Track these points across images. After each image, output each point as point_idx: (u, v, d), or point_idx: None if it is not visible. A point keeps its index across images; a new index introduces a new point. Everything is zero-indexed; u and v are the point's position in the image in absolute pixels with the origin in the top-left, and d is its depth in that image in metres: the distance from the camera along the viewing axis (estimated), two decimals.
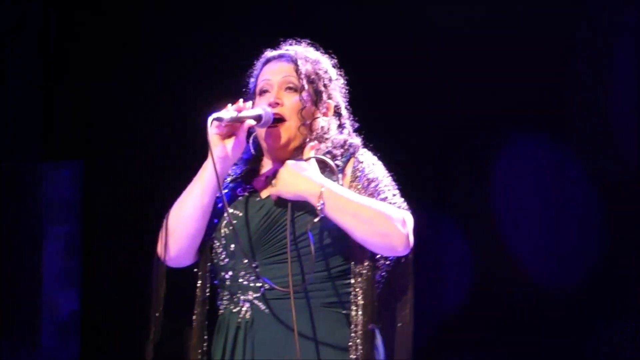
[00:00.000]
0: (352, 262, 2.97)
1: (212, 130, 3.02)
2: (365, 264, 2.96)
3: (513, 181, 4.92)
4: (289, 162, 2.99)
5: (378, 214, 2.92)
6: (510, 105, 4.92)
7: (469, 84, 4.97)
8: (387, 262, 3.00)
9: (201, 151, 5.34)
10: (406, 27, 5.04)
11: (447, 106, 5.01)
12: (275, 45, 3.27)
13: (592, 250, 4.81)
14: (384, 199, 2.99)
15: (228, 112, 3.02)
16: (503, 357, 4.91)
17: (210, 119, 2.98)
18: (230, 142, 3.05)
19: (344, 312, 2.98)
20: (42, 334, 5.53)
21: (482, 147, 5.01)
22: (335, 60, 3.26)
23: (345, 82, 3.26)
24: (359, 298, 2.95)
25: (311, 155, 3.04)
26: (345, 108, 3.23)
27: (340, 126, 3.19)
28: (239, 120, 3.03)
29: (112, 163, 5.73)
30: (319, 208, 2.90)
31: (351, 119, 3.24)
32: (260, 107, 3.08)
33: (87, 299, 5.69)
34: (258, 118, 3.06)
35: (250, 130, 3.14)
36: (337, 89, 3.21)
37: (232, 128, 3.05)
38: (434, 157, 5.10)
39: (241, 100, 3.06)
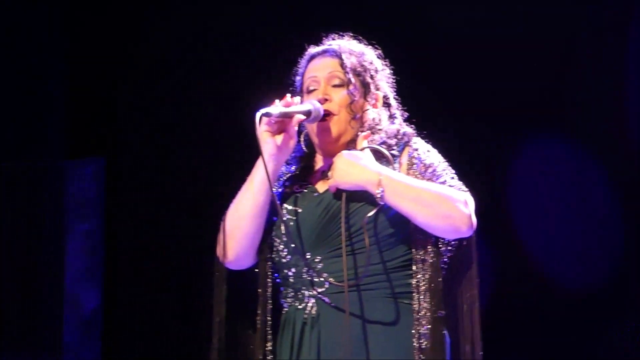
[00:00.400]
0: (414, 250, 2.98)
1: (262, 127, 3.02)
2: (429, 250, 2.97)
3: (529, 182, 4.94)
4: (344, 152, 3.00)
5: (439, 196, 2.93)
6: (526, 105, 4.94)
7: (485, 84, 4.98)
8: (450, 248, 3.01)
9: (225, 148, 5.43)
10: (409, 28, 5.06)
11: (463, 106, 5.02)
12: (317, 41, 3.28)
13: (611, 251, 4.83)
14: (443, 183, 3.00)
15: (276, 107, 3.01)
16: (521, 358, 4.93)
17: (258, 114, 2.96)
18: (280, 138, 3.04)
19: (408, 302, 2.99)
20: (64, 330, 5.53)
21: (498, 147, 5.03)
22: (380, 51, 3.26)
23: (392, 71, 3.26)
24: (423, 285, 2.96)
25: (365, 145, 3.05)
26: (394, 98, 3.23)
27: (391, 116, 3.20)
28: (288, 116, 3.02)
29: (135, 160, 5.72)
30: (378, 195, 2.90)
31: (400, 108, 3.25)
32: (310, 102, 3.08)
33: (109, 296, 5.68)
34: (307, 113, 3.05)
35: (300, 129, 3.16)
36: (383, 80, 3.21)
37: (281, 124, 3.04)
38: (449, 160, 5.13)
39: (288, 95, 3.05)
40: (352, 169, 2.95)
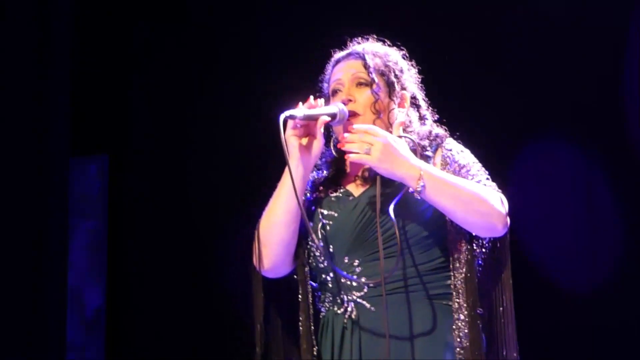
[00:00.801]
0: (451, 249, 2.98)
1: (288, 131, 3.00)
2: (464, 248, 2.97)
3: (530, 184, 4.94)
4: (389, 138, 2.92)
5: (477, 194, 2.92)
6: (528, 108, 4.95)
7: (487, 87, 4.99)
8: (484, 249, 3.01)
9: (232, 146, 5.41)
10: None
11: (468, 110, 5.02)
12: (342, 45, 3.28)
13: (613, 253, 4.84)
14: (478, 182, 3.00)
15: (300, 110, 2.99)
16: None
17: (282, 117, 2.94)
18: (306, 141, 3.03)
19: (447, 303, 2.98)
20: (68, 329, 5.49)
21: (500, 150, 5.03)
22: (405, 52, 3.25)
23: (418, 72, 3.25)
24: (461, 284, 2.96)
25: (401, 134, 3.03)
26: (423, 99, 3.22)
27: (422, 118, 3.19)
28: (313, 118, 3.00)
29: (139, 158, 5.69)
30: (418, 190, 2.88)
31: (430, 110, 3.24)
32: (335, 105, 3.06)
33: (113, 295, 5.65)
34: (333, 115, 3.03)
35: (330, 134, 3.15)
36: (410, 80, 3.20)
37: (307, 127, 3.02)
38: None
39: (312, 97, 3.04)
40: (395, 159, 2.89)
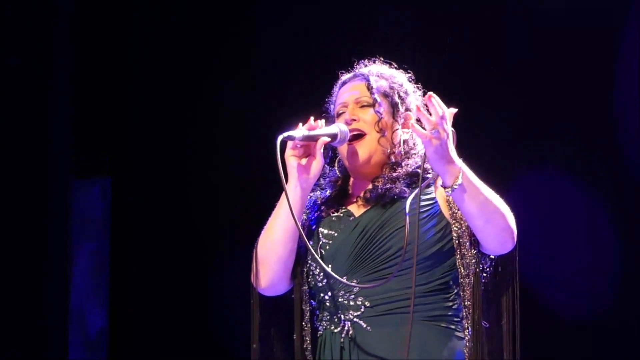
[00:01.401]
0: (458, 260, 3.01)
1: (288, 151, 3.04)
2: (472, 261, 3.00)
3: (526, 211, 4.94)
4: (452, 131, 2.89)
5: (500, 208, 2.94)
6: (523, 134, 4.96)
7: (480, 113, 5.00)
8: (489, 263, 3.04)
9: (234, 169, 5.43)
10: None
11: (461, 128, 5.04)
12: (348, 66, 3.32)
13: (610, 279, 4.85)
14: None
15: (299, 130, 3.02)
16: None
17: (280, 138, 2.97)
18: (305, 161, 3.06)
19: (444, 325, 3.01)
20: (70, 351, 5.51)
21: (498, 174, 5.05)
22: (411, 74, 3.29)
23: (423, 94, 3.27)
24: (467, 297, 2.99)
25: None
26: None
27: None
28: (313, 139, 3.04)
29: (141, 180, 5.71)
30: (454, 188, 2.87)
31: None
32: (335, 125, 3.10)
33: (115, 317, 5.67)
34: (333, 136, 3.07)
35: (335, 153, 3.19)
36: (415, 102, 3.22)
37: (307, 148, 3.06)
38: None
39: (312, 118, 3.07)
40: (448, 151, 2.86)
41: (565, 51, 4.89)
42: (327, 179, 3.21)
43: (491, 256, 3.03)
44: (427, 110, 2.86)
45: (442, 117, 2.82)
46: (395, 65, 3.30)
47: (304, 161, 3.06)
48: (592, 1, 4.85)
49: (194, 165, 5.63)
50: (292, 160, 3.05)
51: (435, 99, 2.82)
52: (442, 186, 2.91)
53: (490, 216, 2.92)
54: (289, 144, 3.03)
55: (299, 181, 3.04)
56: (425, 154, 2.88)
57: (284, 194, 3.03)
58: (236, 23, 5.55)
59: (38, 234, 5.44)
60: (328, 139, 3.06)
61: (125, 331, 5.66)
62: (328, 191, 3.20)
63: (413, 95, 3.24)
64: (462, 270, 3.00)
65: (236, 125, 5.52)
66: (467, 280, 3.00)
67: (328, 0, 5.34)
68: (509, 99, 4.94)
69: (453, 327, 3.03)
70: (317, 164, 3.07)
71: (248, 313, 3.13)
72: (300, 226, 3.00)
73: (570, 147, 4.88)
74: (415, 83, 3.28)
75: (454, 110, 2.86)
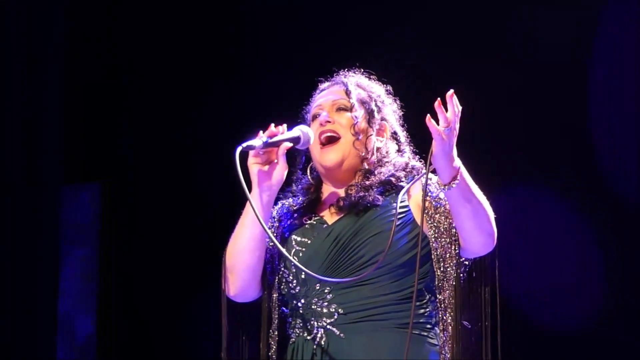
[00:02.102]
0: (435, 264, 3.02)
1: (250, 159, 3.04)
2: (453, 262, 3.01)
3: (507, 227, 4.92)
4: (454, 133, 2.87)
5: (487, 212, 2.96)
6: (505, 152, 4.97)
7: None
8: (463, 268, 3.04)
9: (220, 176, 5.43)
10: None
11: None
12: (328, 76, 3.34)
13: (590, 292, 4.85)
14: None
15: (259, 139, 3.02)
16: None
17: (238, 150, 2.96)
18: (269, 168, 3.06)
19: (417, 332, 3.01)
20: (58, 356, 5.53)
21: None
22: (390, 87, 3.31)
23: (401, 107, 3.30)
24: (445, 299, 3.00)
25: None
26: (403, 134, 3.27)
27: (400, 151, 3.23)
28: (275, 145, 3.04)
29: (131, 186, 5.73)
30: (452, 186, 2.88)
31: (411, 145, 3.27)
32: (297, 128, 3.10)
33: (104, 322, 5.67)
34: (295, 140, 3.07)
35: (308, 160, 3.20)
36: (391, 114, 3.25)
37: (270, 154, 3.06)
38: None
39: (272, 125, 3.07)
40: (452, 150, 2.87)
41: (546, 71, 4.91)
42: (300, 186, 3.22)
43: (465, 262, 3.04)
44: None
45: (457, 116, 2.83)
46: (375, 77, 3.32)
47: (266, 168, 3.06)
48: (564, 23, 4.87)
49: (183, 171, 5.64)
50: (254, 167, 3.05)
51: (455, 98, 2.83)
52: (439, 183, 2.90)
53: (480, 219, 2.93)
54: (251, 152, 3.04)
55: (261, 188, 3.04)
56: (430, 151, 2.86)
57: (248, 202, 3.02)
58: (225, 45, 5.58)
59: (27, 239, 5.46)
60: (290, 144, 3.06)
61: (113, 337, 5.67)
62: (300, 198, 3.21)
63: (389, 107, 3.26)
64: (441, 274, 3.01)
65: (225, 132, 5.52)
66: (445, 283, 3.01)
67: (309, 11, 5.37)
68: (492, 114, 4.95)
69: (425, 334, 3.03)
70: (280, 169, 3.06)
71: (246, 321, 3.15)
72: (268, 229, 3.00)
73: (550, 161, 4.90)
74: (392, 96, 3.30)
75: (460, 108, 2.87)
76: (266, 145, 3.01)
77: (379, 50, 4.97)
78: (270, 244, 3.11)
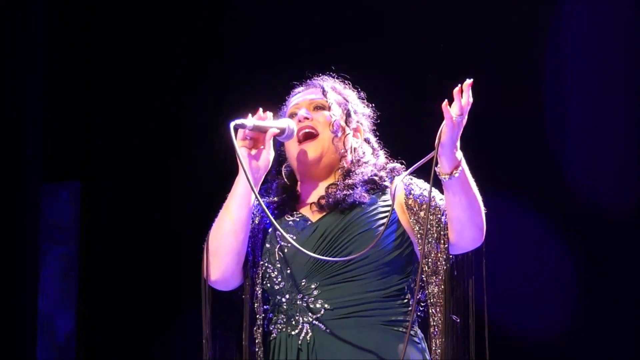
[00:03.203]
0: (426, 260, 3.03)
1: (239, 142, 3.05)
2: (442, 258, 3.03)
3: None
4: (463, 123, 2.91)
5: (481, 206, 2.99)
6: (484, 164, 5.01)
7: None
8: (451, 258, 3.06)
9: (200, 174, 5.44)
10: None
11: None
12: (304, 79, 3.37)
13: (562, 302, 4.89)
14: None
15: (250, 120, 3.05)
16: None
17: (232, 124, 2.99)
18: (256, 152, 3.08)
19: (402, 330, 3.03)
20: (38, 355, 5.52)
21: None
22: (364, 94, 3.34)
23: (374, 113, 3.34)
24: (437, 293, 3.02)
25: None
26: (375, 140, 3.31)
27: (374, 153, 3.26)
28: (262, 130, 3.06)
29: (111, 184, 5.73)
30: (454, 176, 2.91)
31: (383, 150, 3.31)
32: (285, 120, 3.13)
33: (84, 321, 5.67)
34: (282, 130, 3.10)
35: (281, 158, 3.22)
36: (363, 118, 3.29)
37: (257, 139, 3.08)
38: None
39: (260, 109, 3.09)
40: (457, 140, 2.91)
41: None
42: (275, 184, 3.23)
43: (451, 257, 3.05)
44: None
45: (469, 105, 2.86)
46: (349, 82, 3.35)
47: (254, 152, 3.07)
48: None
49: (164, 169, 5.64)
50: (242, 150, 3.05)
51: (470, 89, 2.86)
52: (441, 172, 2.91)
53: (474, 211, 2.96)
54: (239, 134, 3.04)
55: (250, 171, 3.05)
56: (438, 136, 2.88)
57: (234, 185, 3.05)
58: (204, 43, 5.59)
59: (7, 237, 5.45)
60: (277, 131, 3.08)
61: (93, 335, 5.67)
62: (275, 197, 3.21)
63: (363, 110, 3.29)
64: (427, 269, 3.03)
65: (205, 132, 5.54)
66: (434, 278, 3.03)
67: (289, 16, 5.40)
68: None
69: (411, 332, 3.04)
70: (267, 154, 3.08)
71: (228, 312, 3.13)
72: (250, 224, 3.03)
73: (512, 169, 4.93)
74: (365, 102, 3.33)
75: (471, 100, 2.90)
76: (255, 128, 3.03)
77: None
78: (256, 221, 3.13)
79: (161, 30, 5.69)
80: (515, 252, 4.90)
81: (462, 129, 2.87)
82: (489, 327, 2.94)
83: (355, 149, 3.21)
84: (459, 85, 2.86)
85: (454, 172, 2.90)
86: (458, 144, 2.89)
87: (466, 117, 2.86)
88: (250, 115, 3.06)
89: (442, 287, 3.02)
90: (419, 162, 3.03)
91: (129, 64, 5.71)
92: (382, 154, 3.27)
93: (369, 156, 3.22)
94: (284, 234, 3.01)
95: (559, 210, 4.89)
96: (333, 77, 3.33)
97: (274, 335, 3.08)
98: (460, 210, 2.96)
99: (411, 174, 3.07)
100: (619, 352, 4.79)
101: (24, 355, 5.47)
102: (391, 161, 3.24)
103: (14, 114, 5.54)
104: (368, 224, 3.04)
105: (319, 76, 3.34)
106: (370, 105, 3.34)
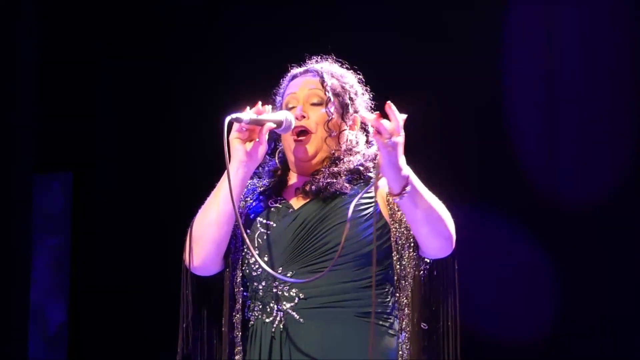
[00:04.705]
0: (396, 261, 3.02)
1: (233, 133, 3.03)
2: (412, 263, 3.01)
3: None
4: (400, 142, 2.83)
5: (443, 216, 2.94)
6: (456, 175, 5.05)
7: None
8: (423, 266, 3.04)
9: (196, 164, 5.46)
10: None
11: None
12: (301, 62, 3.32)
13: (540, 308, 4.93)
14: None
15: (247, 113, 3.01)
16: None
17: (227, 119, 2.96)
18: (250, 145, 3.05)
19: (376, 321, 3.00)
20: (30, 345, 5.49)
21: None
22: (361, 76, 3.30)
23: (371, 97, 3.30)
24: (405, 298, 3.00)
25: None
26: None
27: (368, 141, 3.22)
28: (259, 123, 3.03)
29: (103, 175, 5.72)
30: (405, 194, 2.85)
31: None
32: (282, 112, 3.09)
33: (76, 311, 5.65)
34: (278, 123, 3.06)
35: (276, 146, 3.20)
36: (362, 105, 3.24)
37: (252, 132, 3.05)
38: None
39: (260, 102, 3.05)
40: (399, 159, 2.84)
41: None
42: (267, 168, 3.22)
43: (427, 260, 3.04)
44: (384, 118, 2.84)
45: (399, 125, 2.80)
46: (347, 65, 3.31)
47: (248, 145, 3.05)
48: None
49: (156, 159, 5.65)
50: (236, 142, 3.03)
51: (393, 107, 2.81)
52: (390, 193, 2.88)
53: (434, 224, 2.92)
54: (235, 126, 3.02)
55: (242, 164, 3.03)
56: (377, 161, 2.86)
57: (224, 175, 3.03)
58: (197, 40, 5.60)
59: None
60: (274, 125, 3.05)
61: (85, 326, 5.66)
62: (266, 180, 3.21)
63: (361, 97, 3.26)
64: (400, 272, 3.02)
65: (199, 122, 5.56)
66: (404, 282, 3.02)
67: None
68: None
69: (387, 324, 3.03)
70: (262, 148, 3.06)
71: (209, 297, 3.13)
72: (238, 212, 3.00)
73: (473, 173, 5.04)
74: (364, 85, 3.30)
75: (404, 116, 2.84)
76: (252, 121, 3.00)
77: None
78: (242, 204, 3.12)
79: (154, 18, 5.69)
80: (484, 258, 4.91)
81: (400, 148, 2.80)
82: (462, 333, 2.98)
83: (350, 140, 3.18)
84: (378, 112, 2.83)
85: (403, 192, 2.85)
86: (402, 162, 2.82)
87: (401, 135, 2.80)
88: (248, 108, 3.03)
89: (410, 292, 3.00)
90: (371, 184, 3.02)
91: (125, 54, 5.70)
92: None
93: (362, 146, 3.19)
94: (251, 248, 3.03)
95: (526, 212, 4.93)
96: (332, 58, 3.29)
97: (252, 322, 3.07)
98: (419, 225, 2.93)
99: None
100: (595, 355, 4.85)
101: (16, 345, 5.43)
102: None
103: (6, 104, 5.50)
104: (346, 214, 2.99)
105: (317, 58, 3.29)
106: (367, 87, 3.29)
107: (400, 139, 2.79)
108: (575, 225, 4.81)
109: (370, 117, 2.80)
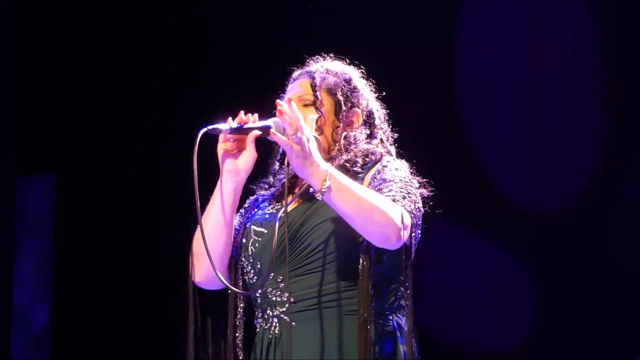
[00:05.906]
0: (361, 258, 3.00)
1: (219, 145, 3.03)
2: (361, 259, 2.99)
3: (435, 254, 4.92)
4: (311, 135, 2.90)
5: (377, 205, 2.90)
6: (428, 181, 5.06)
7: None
8: (381, 259, 3.02)
9: (181, 168, 5.45)
10: None
11: None
12: (300, 63, 3.31)
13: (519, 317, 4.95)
14: (392, 197, 2.99)
15: (226, 124, 2.99)
16: None
17: (202, 131, 2.92)
18: (237, 155, 3.04)
19: (370, 319, 2.98)
20: (12, 347, 5.50)
21: None
22: (364, 70, 3.27)
23: (375, 90, 3.27)
24: (361, 294, 2.99)
25: (314, 134, 3.02)
26: (379, 118, 3.24)
27: (370, 135, 3.21)
28: (244, 132, 3.01)
29: (87, 177, 5.72)
30: (323, 191, 2.86)
31: (386, 128, 3.25)
32: (271, 120, 3.05)
33: (59, 313, 5.66)
34: (265, 129, 3.01)
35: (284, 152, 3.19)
36: (364, 98, 3.22)
37: (241, 142, 3.04)
38: None
39: (242, 112, 3.03)
40: (310, 155, 2.86)
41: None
42: (278, 177, 3.23)
43: (381, 251, 3.01)
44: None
45: (298, 124, 2.83)
46: (348, 61, 3.28)
47: (235, 154, 3.04)
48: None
49: (139, 164, 5.65)
50: (221, 153, 3.04)
51: (284, 107, 2.84)
52: (311, 192, 2.89)
53: (366, 215, 2.89)
54: (220, 137, 3.02)
55: (227, 174, 3.03)
56: (287, 162, 2.88)
57: (217, 188, 3.03)
58: (185, 40, 5.60)
59: None
60: (259, 132, 3.01)
61: (68, 328, 5.67)
62: (275, 188, 3.22)
63: (362, 90, 3.23)
64: (357, 265, 2.99)
65: (185, 124, 5.55)
66: (361, 274, 2.99)
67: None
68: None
69: (380, 321, 3.02)
70: (249, 157, 3.04)
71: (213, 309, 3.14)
72: (238, 220, 3.02)
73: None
74: (367, 79, 3.27)
75: (315, 116, 2.88)
76: (233, 131, 2.99)
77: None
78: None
79: (140, 19, 5.68)
80: (450, 266, 4.96)
81: (308, 145, 2.83)
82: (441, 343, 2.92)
83: (346, 136, 3.17)
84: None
85: (322, 187, 2.85)
86: (317, 157, 2.85)
87: (307, 132, 2.83)
88: (230, 118, 3.01)
89: (358, 289, 2.99)
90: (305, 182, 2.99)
91: (108, 56, 5.69)
92: (381, 134, 3.22)
93: (361, 142, 3.17)
94: (242, 253, 3.06)
95: (491, 217, 4.96)
96: (332, 57, 3.27)
97: (257, 329, 3.09)
98: (350, 218, 2.91)
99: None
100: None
101: None
102: (381, 145, 3.19)
103: None
104: (329, 212, 2.99)
105: (315, 58, 3.28)
106: (371, 81, 3.28)
107: (302, 136, 2.81)
108: (546, 231, 4.83)
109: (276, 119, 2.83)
